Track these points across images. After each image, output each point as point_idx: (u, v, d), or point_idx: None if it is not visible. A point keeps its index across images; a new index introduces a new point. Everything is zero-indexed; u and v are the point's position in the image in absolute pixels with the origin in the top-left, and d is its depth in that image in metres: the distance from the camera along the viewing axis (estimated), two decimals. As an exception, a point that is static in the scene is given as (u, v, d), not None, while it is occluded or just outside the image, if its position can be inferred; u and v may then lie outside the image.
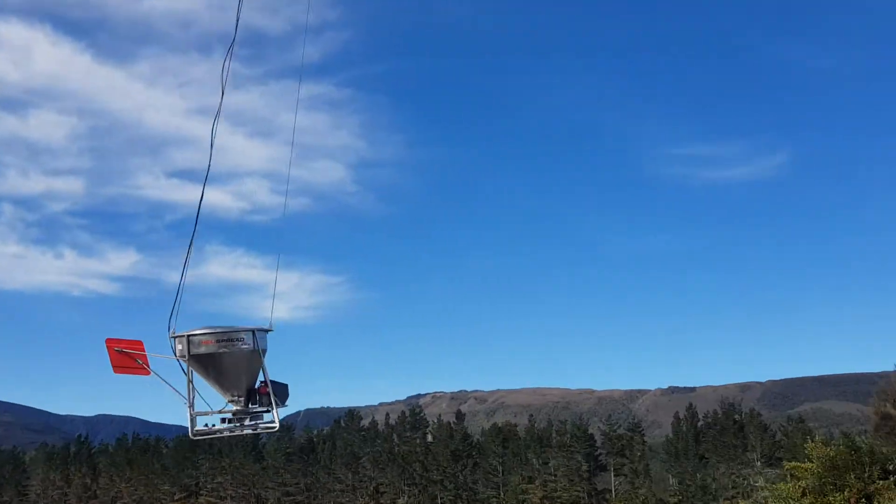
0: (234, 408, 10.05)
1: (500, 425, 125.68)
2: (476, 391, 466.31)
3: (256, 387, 10.10)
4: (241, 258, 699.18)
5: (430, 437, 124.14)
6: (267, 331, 10.10)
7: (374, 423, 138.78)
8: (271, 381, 10.06)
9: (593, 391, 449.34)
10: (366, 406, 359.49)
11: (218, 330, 9.72)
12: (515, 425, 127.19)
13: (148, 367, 9.92)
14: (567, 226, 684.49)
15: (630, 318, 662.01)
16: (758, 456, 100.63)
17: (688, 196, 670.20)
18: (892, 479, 34.79)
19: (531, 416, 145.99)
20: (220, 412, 10.08)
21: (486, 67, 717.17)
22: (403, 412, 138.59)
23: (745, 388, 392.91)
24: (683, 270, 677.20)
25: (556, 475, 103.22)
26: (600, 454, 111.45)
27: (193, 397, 9.90)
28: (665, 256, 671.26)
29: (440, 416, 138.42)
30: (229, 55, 10.25)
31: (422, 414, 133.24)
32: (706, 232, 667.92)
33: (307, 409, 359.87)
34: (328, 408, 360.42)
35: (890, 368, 53.20)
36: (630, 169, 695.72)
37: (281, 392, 10.16)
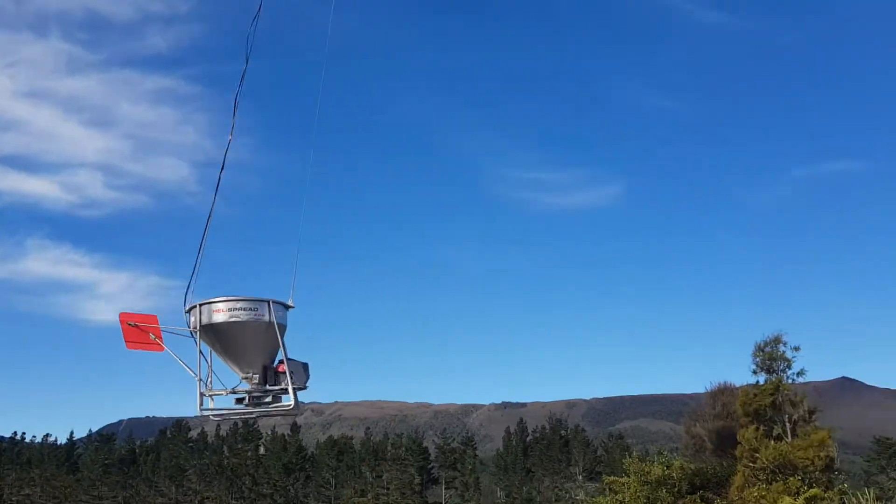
0: (248, 386, 9.32)
1: (335, 438, 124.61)
2: (313, 403, 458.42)
3: (274, 365, 9.40)
4: (66, 255, 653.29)
5: (262, 450, 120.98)
6: (287, 307, 9.47)
7: (203, 434, 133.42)
8: (290, 359, 9.31)
9: (430, 405, 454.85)
10: (195, 416, 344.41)
11: (232, 298, 9.12)
12: (351, 438, 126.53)
13: (162, 342, 9.33)
14: (411, 240, 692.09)
15: (467, 335, 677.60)
16: (580, 470, 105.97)
17: (529, 219, 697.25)
18: (698, 493, 37.78)
19: (368, 428, 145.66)
20: (233, 391, 9.36)
21: (342, 74, 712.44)
22: (236, 423, 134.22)
23: (571, 404, 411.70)
24: (521, 290, 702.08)
25: (388, 488, 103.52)
26: (433, 467, 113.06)
27: (209, 374, 9.24)
28: (504, 276, 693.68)
29: (274, 427, 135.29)
30: (254, 24, 9.83)
31: (255, 425, 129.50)
32: (543, 253, 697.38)
33: (130, 419, 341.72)
34: (154, 417, 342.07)
35: (700, 390, 57.89)
36: (475, 189, 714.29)
37: (300, 372, 9.41)
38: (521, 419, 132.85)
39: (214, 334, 9.16)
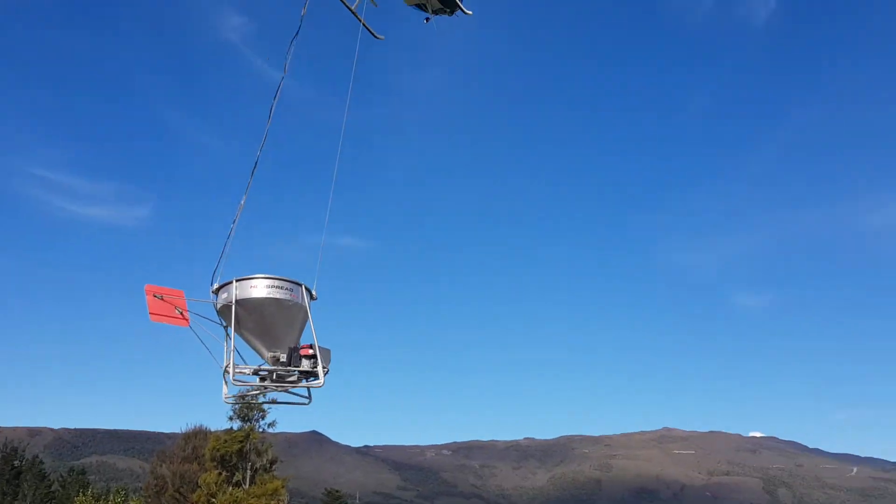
0: (272, 367, 9.39)
1: None
2: None
3: (298, 348, 9.56)
4: None
5: None
6: (313, 297, 9.68)
7: None
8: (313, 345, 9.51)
9: None
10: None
11: (270, 276, 9.28)
12: None
13: (187, 317, 9.22)
14: None
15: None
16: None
17: (50, 224, 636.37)
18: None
19: None
20: (256, 371, 9.41)
21: None
22: None
23: (35, 432, 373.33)
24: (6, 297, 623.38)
25: None
26: None
27: (232, 351, 9.20)
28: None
29: None
30: (293, 40, 10.70)
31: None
32: (61, 262, 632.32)
33: None
34: None
35: (178, 430, 57.72)
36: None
37: (325, 356, 9.49)
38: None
39: (247, 310, 9.22)
